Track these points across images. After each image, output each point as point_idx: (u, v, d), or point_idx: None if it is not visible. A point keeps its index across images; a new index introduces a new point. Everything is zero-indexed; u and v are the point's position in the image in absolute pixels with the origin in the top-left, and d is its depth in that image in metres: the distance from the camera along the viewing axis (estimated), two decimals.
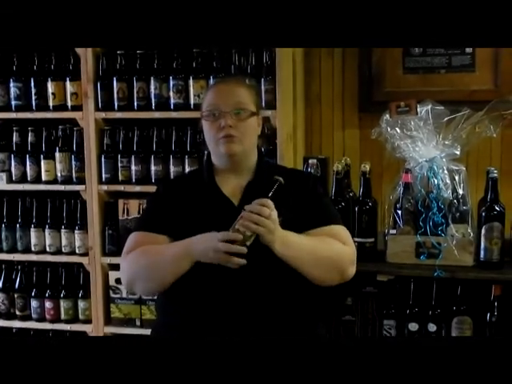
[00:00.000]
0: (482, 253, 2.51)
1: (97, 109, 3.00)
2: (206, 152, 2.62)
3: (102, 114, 3.01)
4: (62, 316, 3.17)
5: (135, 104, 2.98)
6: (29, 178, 3.14)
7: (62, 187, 3.09)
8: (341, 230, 2.09)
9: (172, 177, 2.93)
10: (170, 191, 2.14)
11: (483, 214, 2.51)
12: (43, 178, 3.11)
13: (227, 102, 2.02)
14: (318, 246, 1.99)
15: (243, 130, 2.02)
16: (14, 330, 3.26)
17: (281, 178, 1.96)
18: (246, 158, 2.09)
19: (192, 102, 2.91)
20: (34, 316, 3.21)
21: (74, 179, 3.08)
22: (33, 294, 3.19)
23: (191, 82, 2.90)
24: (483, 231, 2.50)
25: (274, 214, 1.89)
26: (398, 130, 2.58)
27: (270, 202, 1.90)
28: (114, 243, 3.06)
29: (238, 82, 2.14)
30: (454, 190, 2.54)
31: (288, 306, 2.01)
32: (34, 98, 3.08)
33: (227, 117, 2.00)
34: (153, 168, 2.99)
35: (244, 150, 2.05)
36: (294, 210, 2.02)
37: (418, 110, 2.55)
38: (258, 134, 2.12)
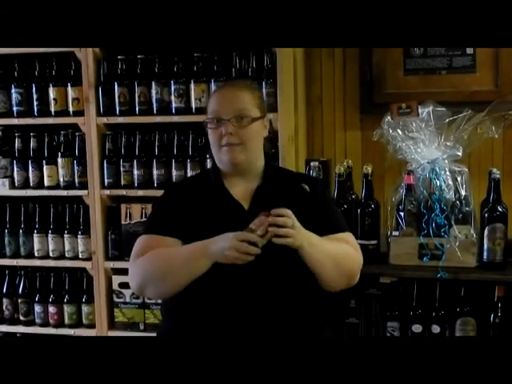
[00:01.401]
0: (485, 254, 2.51)
1: (98, 114, 3.01)
2: (209, 155, 2.63)
3: (104, 119, 3.01)
4: (66, 321, 3.18)
5: (137, 109, 2.99)
6: (31, 184, 3.14)
7: (64, 192, 3.10)
8: (350, 238, 2.10)
9: (179, 180, 2.92)
10: (178, 194, 2.12)
11: (486, 214, 2.51)
12: (46, 183, 3.12)
13: (228, 110, 2.00)
14: (336, 249, 2.01)
15: (245, 137, 2.01)
16: (17, 335, 3.26)
17: (306, 187, 1.98)
18: (252, 163, 2.07)
19: (193, 105, 2.91)
20: (37, 321, 3.21)
21: (77, 184, 3.08)
22: (36, 299, 3.19)
23: (192, 85, 2.90)
24: (486, 232, 2.50)
25: (296, 222, 1.90)
26: (399, 131, 2.58)
27: (289, 212, 1.89)
28: (116, 248, 3.07)
29: (240, 87, 2.11)
30: (457, 191, 2.54)
31: (295, 311, 2.00)
32: (35, 103, 3.08)
33: (227, 124, 1.99)
34: (155, 172, 2.99)
35: (248, 157, 2.03)
36: (302, 216, 1.98)
37: (420, 111, 2.56)
38: (263, 136, 2.10)
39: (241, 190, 2.07)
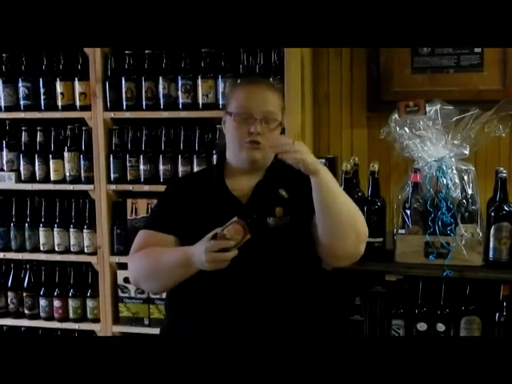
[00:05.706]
0: (490, 253, 2.51)
1: (105, 108, 3.01)
2: (215, 151, 2.64)
3: (111, 114, 3.01)
4: (71, 315, 3.19)
5: (143, 104, 2.99)
6: (37, 178, 3.15)
7: (70, 187, 3.11)
8: None
9: (182, 176, 2.92)
10: (179, 191, 2.14)
11: (492, 213, 2.51)
12: (52, 177, 3.12)
13: (259, 109, 2.01)
14: (350, 199, 1.99)
15: (269, 139, 2.00)
16: (22, 329, 3.28)
17: (284, 192, 1.96)
18: (265, 163, 2.09)
19: (200, 101, 2.91)
20: (42, 315, 3.22)
21: (83, 179, 3.09)
22: (41, 292, 3.20)
23: (199, 81, 2.90)
24: (492, 231, 2.50)
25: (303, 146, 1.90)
26: (406, 129, 2.58)
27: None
28: (122, 242, 3.07)
29: (268, 87, 2.11)
30: (463, 190, 2.54)
31: (296, 307, 2.00)
32: (42, 97, 3.09)
33: (257, 124, 1.99)
34: (161, 167, 2.99)
35: (264, 157, 2.05)
36: (303, 207, 1.99)
37: (427, 109, 2.55)
38: None
39: (241, 187, 2.08)
